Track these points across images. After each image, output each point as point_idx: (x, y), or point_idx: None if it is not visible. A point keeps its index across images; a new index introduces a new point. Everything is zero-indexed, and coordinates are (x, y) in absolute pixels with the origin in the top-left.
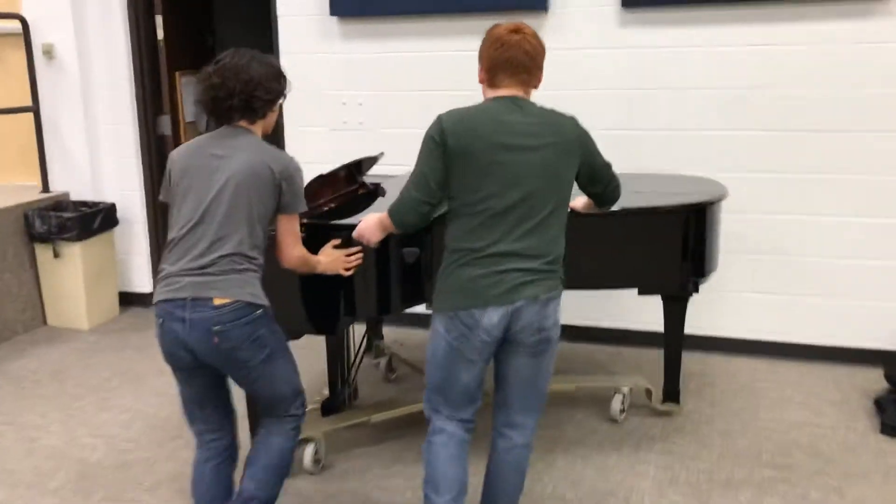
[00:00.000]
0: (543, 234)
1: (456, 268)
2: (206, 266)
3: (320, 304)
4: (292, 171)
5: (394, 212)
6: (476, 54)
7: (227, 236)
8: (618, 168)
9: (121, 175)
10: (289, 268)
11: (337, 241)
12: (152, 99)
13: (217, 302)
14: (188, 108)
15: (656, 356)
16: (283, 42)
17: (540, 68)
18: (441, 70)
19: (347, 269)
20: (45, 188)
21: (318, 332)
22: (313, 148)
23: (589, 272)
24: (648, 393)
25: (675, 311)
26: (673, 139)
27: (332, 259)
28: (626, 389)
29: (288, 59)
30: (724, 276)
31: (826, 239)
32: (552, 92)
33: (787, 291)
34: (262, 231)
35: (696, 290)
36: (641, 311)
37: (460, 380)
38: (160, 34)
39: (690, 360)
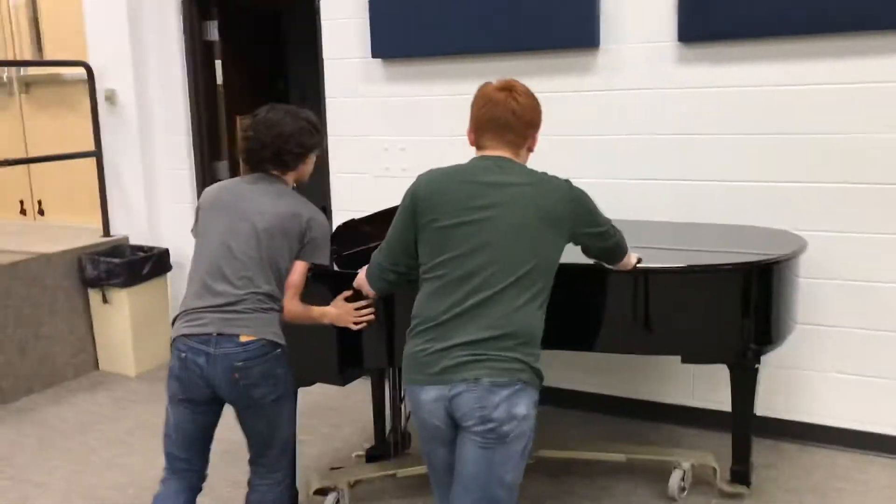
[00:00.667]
0: (505, 305)
1: (410, 337)
2: (234, 303)
3: (325, 353)
4: (319, 221)
5: (367, 275)
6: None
7: (255, 277)
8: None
9: (177, 220)
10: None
11: (349, 293)
12: (209, 144)
13: (243, 339)
14: None
15: (721, 438)
16: (329, 86)
17: (532, 128)
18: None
19: (357, 324)
20: (106, 232)
21: (325, 380)
22: (357, 195)
23: (618, 336)
24: (714, 472)
25: (742, 382)
26: (740, 191)
27: (341, 311)
28: (686, 465)
29: (333, 104)
30: (803, 351)
31: None
32: (603, 137)
33: (880, 373)
34: (285, 274)
35: (758, 361)
36: (700, 387)
37: (436, 456)
38: (219, 79)
39: (757, 447)
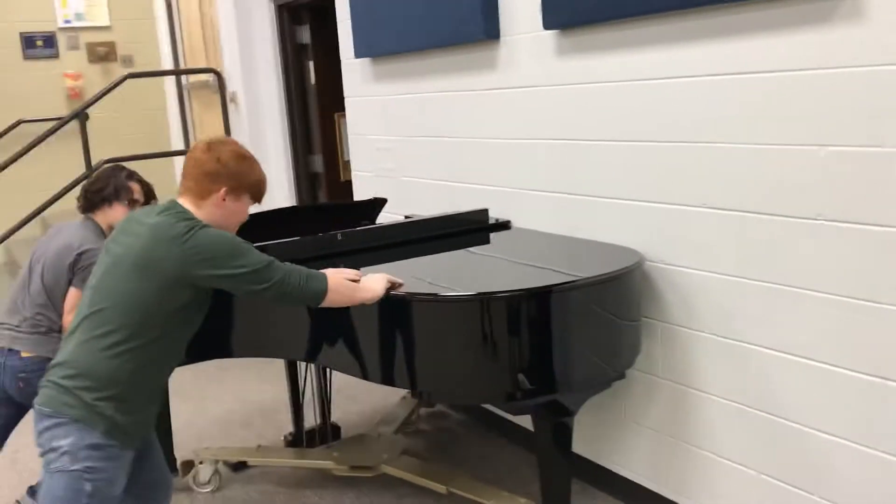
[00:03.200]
0: (76, 338)
1: None
2: (18, 324)
3: None
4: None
5: None
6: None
7: (34, 303)
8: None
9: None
10: None
11: None
12: (303, 139)
13: (24, 354)
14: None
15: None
16: (346, 86)
17: (211, 181)
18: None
19: None
20: None
21: None
22: (368, 195)
23: (346, 358)
24: None
25: (544, 430)
26: (622, 210)
27: None
28: None
29: (349, 103)
30: (684, 418)
31: (824, 390)
32: (502, 140)
33: (763, 468)
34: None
35: (525, 408)
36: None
37: None
38: (312, 79)
39: None
